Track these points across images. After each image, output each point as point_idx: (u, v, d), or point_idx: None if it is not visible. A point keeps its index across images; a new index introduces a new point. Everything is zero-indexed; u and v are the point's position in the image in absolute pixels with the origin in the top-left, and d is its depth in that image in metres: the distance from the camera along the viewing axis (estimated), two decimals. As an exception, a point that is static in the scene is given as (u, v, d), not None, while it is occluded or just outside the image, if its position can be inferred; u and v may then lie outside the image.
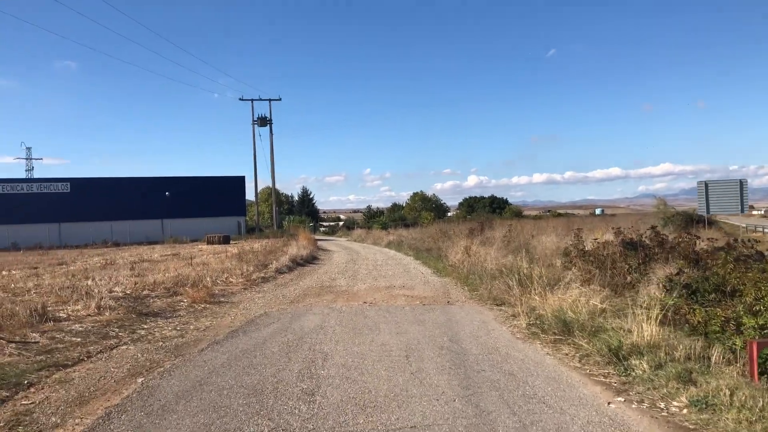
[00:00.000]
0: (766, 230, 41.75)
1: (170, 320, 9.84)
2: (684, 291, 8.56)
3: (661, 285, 9.52)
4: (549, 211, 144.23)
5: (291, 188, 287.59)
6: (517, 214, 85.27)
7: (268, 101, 54.76)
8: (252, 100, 54.68)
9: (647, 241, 13.16)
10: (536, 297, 9.54)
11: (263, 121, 54.33)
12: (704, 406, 4.73)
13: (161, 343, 8.01)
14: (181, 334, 8.62)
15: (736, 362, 5.79)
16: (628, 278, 10.92)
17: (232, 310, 10.86)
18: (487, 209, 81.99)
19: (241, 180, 58.89)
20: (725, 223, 48.26)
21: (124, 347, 7.74)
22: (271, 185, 60.70)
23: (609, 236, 21.13)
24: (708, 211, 35.03)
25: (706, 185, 34.08)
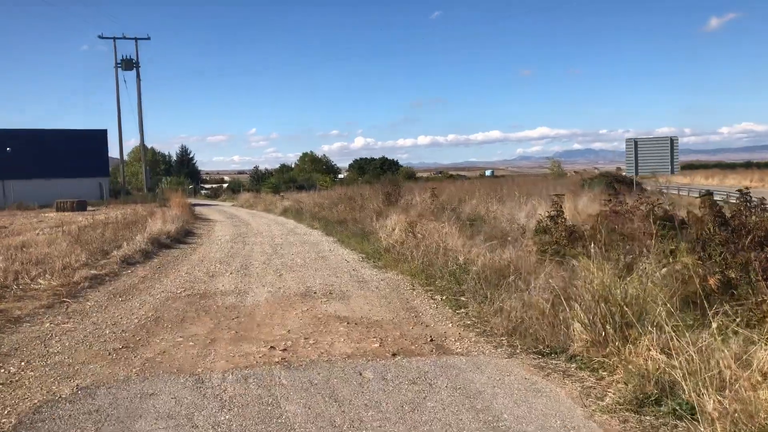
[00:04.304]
0: (681, 192, 39.90)
1: None
2: None
3: None
4: (440, 172, 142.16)
5: (169, 147, 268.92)
6: (410, 175, 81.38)
7: (134, 40, 45.96)
8: (114, 38, 45.73)
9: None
10: (658, 354, 4.34)
11: (128, 64, 45.60)
12: None
13: None
14: None
15: None
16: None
17: (-30, 390, 4.78)
18: (378, 170, 77.58)
19: (102, 134, 49.82)
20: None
21: None
22: (144, 143, 52.05)
23: (581, 204, 16.60)
24: (637, 172, 31.71)
25: (635, 143, 30.70)
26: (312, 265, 11.47)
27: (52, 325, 6.97)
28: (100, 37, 45.90)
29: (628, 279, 5.33)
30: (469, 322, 6.68)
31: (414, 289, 8.73)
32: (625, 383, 4.33)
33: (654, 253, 6.35)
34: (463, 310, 7.20)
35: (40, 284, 9.37)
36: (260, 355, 5.59)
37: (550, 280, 6.78)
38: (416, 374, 4.89)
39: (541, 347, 5.44)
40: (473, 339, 6.04)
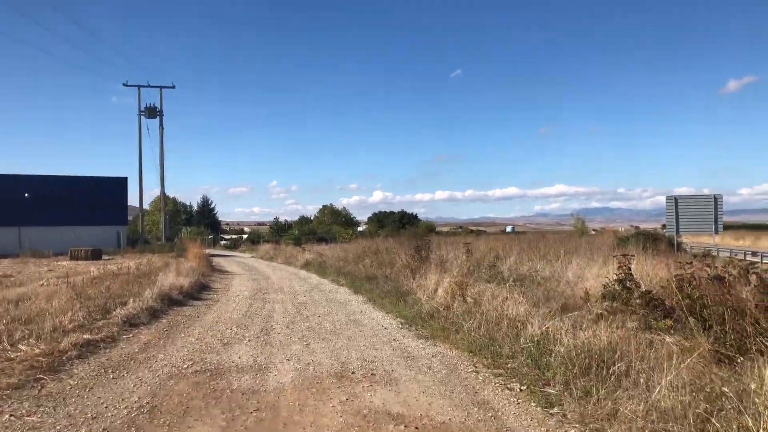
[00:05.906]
0: (722, 253, 37.51)
1: None
2: None
3: None
4: (461, 227, 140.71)
5: (191, 198, 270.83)
6: (431, 229, 79.89)
7: (158, 88, 45.64)
8: (139, 86, 45.42)
9: None
10: None
11: (152, 112, 45.12)
12: None
13: None
14: None
15: None
16: None
17: None
18: (397, 224, 76.35)
19: (122, 182, 49.05)
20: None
21: None
22: (166, 192, 51.17)
23: (642, 266, 14.74)
24: (678, 231, 29.65)
25: (676, 200, 28.84)
26: (344, 332, 9.71)
27: (12, 417, 5.25)
28: (125, 85, 45.69)
29: None
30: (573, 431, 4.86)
31: (478, 372, 6.91)
32: None
33: None
34: (556, 409, 5.38)
35: (20, 351, 7.72)
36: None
37: (684, 375, 5.00)
38: None
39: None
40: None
